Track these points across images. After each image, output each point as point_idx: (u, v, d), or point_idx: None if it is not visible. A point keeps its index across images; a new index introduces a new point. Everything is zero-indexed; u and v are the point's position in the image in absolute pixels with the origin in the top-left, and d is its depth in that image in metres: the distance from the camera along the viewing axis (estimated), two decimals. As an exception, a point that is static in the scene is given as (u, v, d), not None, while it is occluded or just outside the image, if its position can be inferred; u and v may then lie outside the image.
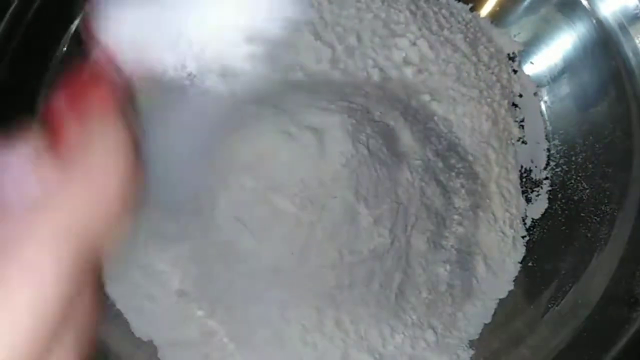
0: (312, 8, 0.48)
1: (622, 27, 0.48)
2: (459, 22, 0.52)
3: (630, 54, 0.47)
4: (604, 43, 0.49)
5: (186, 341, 0.44)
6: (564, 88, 0.52)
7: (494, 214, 0.48)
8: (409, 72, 0.49)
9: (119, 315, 0.44)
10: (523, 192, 0.51)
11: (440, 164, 0.46)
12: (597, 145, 0.49)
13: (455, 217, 0.46)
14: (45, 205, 0.20)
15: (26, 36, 0.44)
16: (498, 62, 0.52)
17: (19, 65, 0.44)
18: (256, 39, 0.32)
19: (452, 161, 0.47)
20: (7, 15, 0.43)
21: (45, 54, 0.46)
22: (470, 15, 0.53)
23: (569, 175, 0.50)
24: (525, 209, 0.50)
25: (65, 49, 0.47)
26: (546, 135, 0.52)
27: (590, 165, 0.49)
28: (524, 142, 0.52)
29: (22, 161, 0.21)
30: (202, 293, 0.44)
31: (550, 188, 0.51)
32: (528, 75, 0.53)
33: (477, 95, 0.49)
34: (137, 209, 0.22)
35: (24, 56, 0.44)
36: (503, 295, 0.48)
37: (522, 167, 0.51)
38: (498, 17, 0.54)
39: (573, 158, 0.51)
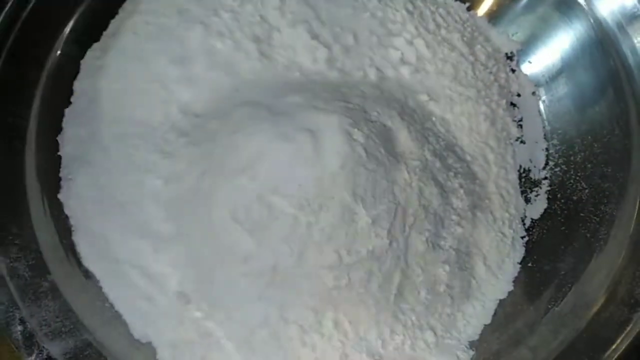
0: (308, 7, 0.48)
1: (620, 27, 0.48)
2: (456, 22, 0.52)
3: (628, 53, 0.47)
4: (602, 42, 0.49)
5: (185, 342, 0.43)
6: (562, 87, 0.52)
7: (492, 214, 0.48)
8: (406, 71, 0.49)
9: (117, 316, 0.44)
10: (522, 192, 0.51)
11: (438, 164, 0.45)
12: (595, 145, 0.49)
13: (454, 217, 0.46)
14: None
15: (21, 36, 0.44)
16: (496, 62, 0.52)
17: (14, 65, 0.44)
18: None
19: (450, 161, 0.47)
20: (2, 16, 0.43)
21: (40, 53, 0.46)
22: (467, 15, 0.53)
23: (568, 175, 0.50)
24: (525, 209, 0.50)
25: (60, 49, 0.47)
26: (545, 135, 0.52)
27: (589, 165, 0.49)
28: (522, 142, 0.52)
29: None
30: (200, 294, 0.44)
31: (549, 188, 0.51)
32: (526, 75, 0.53)
33: (474, 94, 0.49)
34: None
35: (18, 56, 0.44)
36: (502, 295, 0.48)
37: (520, 167, 0.51)
38: (495, 16, 0.54)
39: (572, 158, 0.50)
